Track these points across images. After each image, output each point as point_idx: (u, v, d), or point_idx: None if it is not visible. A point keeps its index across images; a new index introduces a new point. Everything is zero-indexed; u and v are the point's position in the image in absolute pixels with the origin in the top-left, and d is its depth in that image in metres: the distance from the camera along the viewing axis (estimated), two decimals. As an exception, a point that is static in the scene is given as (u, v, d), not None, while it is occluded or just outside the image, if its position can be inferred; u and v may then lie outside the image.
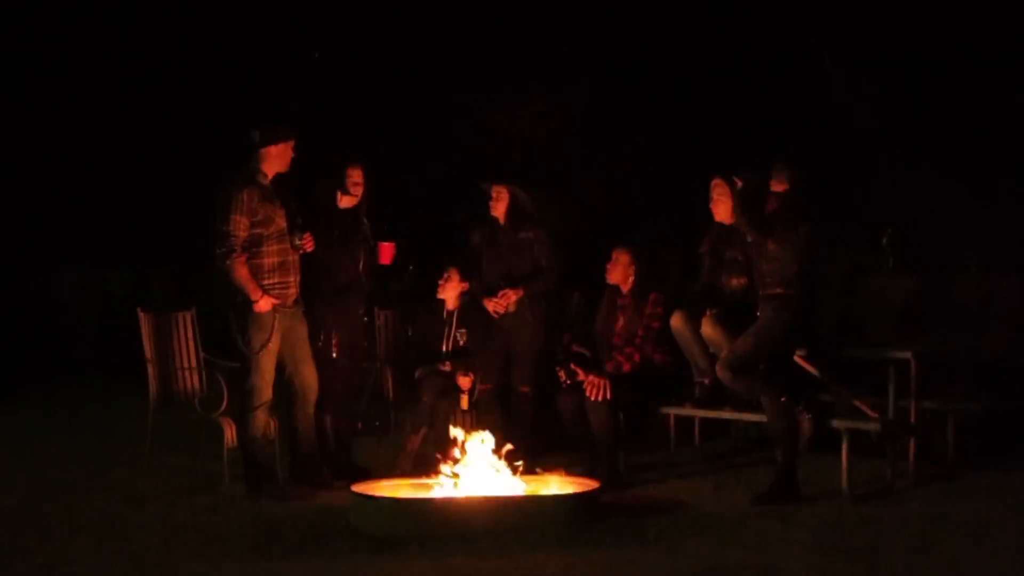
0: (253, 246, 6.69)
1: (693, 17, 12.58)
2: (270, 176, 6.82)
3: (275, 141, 6.78)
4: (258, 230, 6.69)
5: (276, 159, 6.79)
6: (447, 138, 13.26)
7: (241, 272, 6.64)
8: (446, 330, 7.83)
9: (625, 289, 7.52)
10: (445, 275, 7.82)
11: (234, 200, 6.64)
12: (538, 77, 12.73)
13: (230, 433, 7.03)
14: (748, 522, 6.12)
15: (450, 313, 7.84)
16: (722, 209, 7.26)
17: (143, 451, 7.52)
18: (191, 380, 7.50)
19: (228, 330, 6.77)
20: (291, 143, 6.83)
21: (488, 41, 13.30)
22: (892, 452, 6.94)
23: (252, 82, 14.27)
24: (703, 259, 7.44)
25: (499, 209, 7.84)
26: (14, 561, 5.51)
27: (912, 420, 7.08)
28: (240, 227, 6.63)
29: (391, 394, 7.97)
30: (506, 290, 7.72)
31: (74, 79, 14.88)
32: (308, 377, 6.93)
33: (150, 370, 7.43)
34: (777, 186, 6.80)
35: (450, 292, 7.82)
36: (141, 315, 7.46)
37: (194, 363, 7.54)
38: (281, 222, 6.80)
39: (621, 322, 7.47)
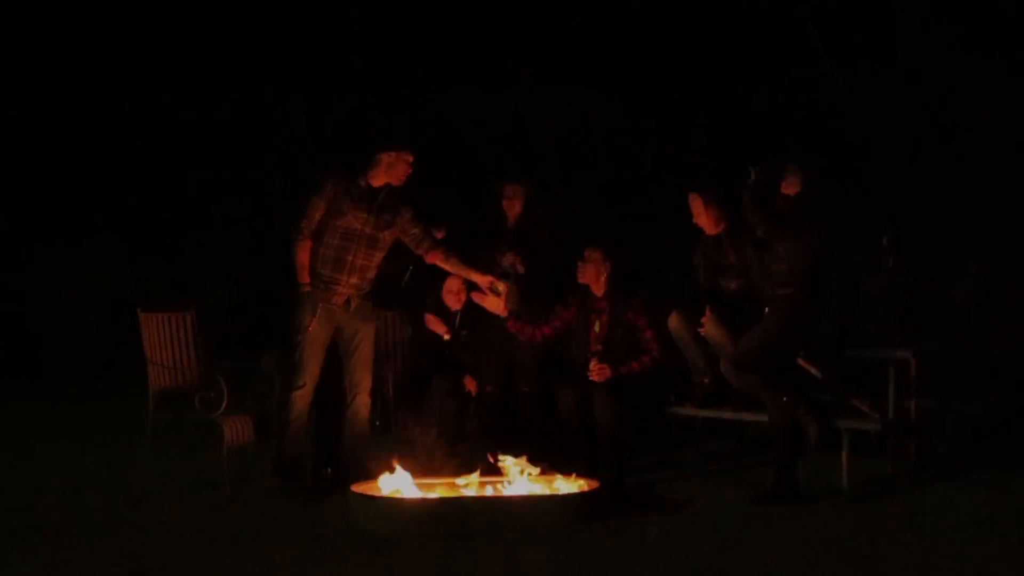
0: (320, 233, 6.86)
1: (693, 17, 12.58)
2: (375, 183, 6.89)
3: (388, 149, 6.87)
4: (328, 218, 6.83)
5: (385, 167, 6.88)
6: (448, 137, 13.26)
7: (301, 256, 6.85)
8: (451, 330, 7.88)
9: (598, 291, 7.44)
10: (447, 283, 7.86)
11: (321, 184, 6.84)
12: (540, 76, 12.74)
13: (230, 433, 7.02)
14: (748, 522, 6.12)
15: (453, 313, 7.88)
16: (705, 222, 7.35)
17: (143, 451, 7.52)
18: (191, 380, 7.50)
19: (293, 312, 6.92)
20: (406, 156, 6.88)
21: (490, 41, 13.31)
22: (892, 452, 6.93)
23: (255, 82, 14.28)
24: (697, 268, 7.47)
25: (514, 208, 7.89)
26: (14, 561, 5.52)
27: (912, 420, 7.09)
28: (317, 210, 6.82)
29: (391, 394, 7.97)
30: (495, 280, 7.72)
31: (74, 78, 14.87)
32: (360, 379, 7.01)
33: (150, 370, 7.43)
34: (788, 188, 6.81)
35: (451, 297, 7.86)
36: (141, 315, 7.46)
37: (194, 363, 7.54)
38: (358, 225, 6.85)
39: (597, 326, 7.38)
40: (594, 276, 7.39)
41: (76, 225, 15.02)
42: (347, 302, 6.94)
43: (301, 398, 6.86)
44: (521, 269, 7.77)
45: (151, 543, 5.81)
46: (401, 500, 6.13)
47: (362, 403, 7.03)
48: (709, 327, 7.05)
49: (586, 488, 6.31)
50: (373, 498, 6.14)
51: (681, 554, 5.53)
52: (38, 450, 8.63)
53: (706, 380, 7.31)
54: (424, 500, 6.13)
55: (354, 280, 6.94)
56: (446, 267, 7.19)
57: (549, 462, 6.65)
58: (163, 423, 7.44)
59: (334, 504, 6.43)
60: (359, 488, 6.24)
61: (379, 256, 7.02)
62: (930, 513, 6.25)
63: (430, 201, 7.13)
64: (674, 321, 7.35)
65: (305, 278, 6.84)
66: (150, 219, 14.82)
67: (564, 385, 7.30)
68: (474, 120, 12.97)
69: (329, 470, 7.12)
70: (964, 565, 5.30)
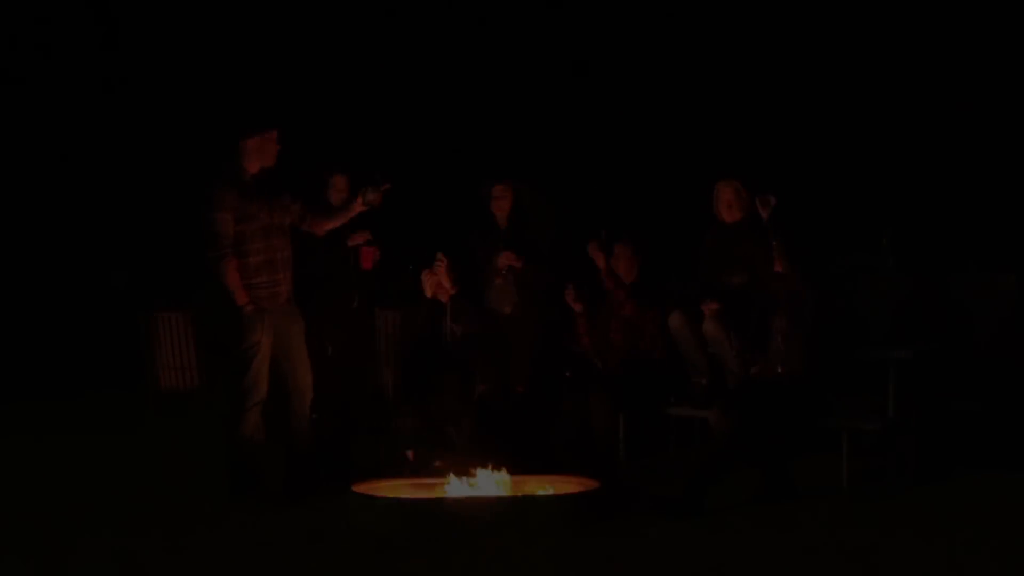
0: (238, 244, 6.56)
1: (691, 13, 12.57)
2: (252, 171, 6.66)
3: (251, 134, 6.63)
4: (240, 227, 6.56)
5: (255, 153, 6.63)
6: (447, 137, 13.26)
7: (232, 276, 6.52)
8: (443, 325, 7.83)
9: (627, 281, 7.57)
10: (435, 265, 7.70)
11: (215, 199, 6.52)
12: (538, 75, 12.74)
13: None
14: (748, 522, 6.12)
15: (442, 307, 7.78)
16: (724, 209, 7.32)
17: (143, 450, 7.51)
18: (191, 379, 7.50)
19: (220, 329, 6.71)
20: (271, 135, 6.66)
21: (487, 39, 13.31)
22: (892, 452, 6.93)
23: (253, 81, 14.26)
24: (705, 256, 7.45)
25: (502, 208, 7.86)
26: (14, 561, 5.51)
27: (912, 420, 7.08)
28: (226, 225, 6.51)
29: (391, 394, 7.97)
30: (508, 253, 7.69)
31: (73, 76, 14.86)
32: (302, 378, 6.83)
33: (150, 370, 7.43)
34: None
35: (436, 281, 7.66)
36: (140, 315, 7.46)
37: (194, 363, 7.54)
38: (265, 218, 6.64)
39: (622, 317, 7.50)
40: (626, 270, 7.51)
41: (78, 225, 15.02)
42: (288, 300, 6.78)
43: (256, 414, 6.70)
44: (518, 264, 7.75)
45: (151, 543, 5.81)
46: (401, 500, 6.13)
47: (308, 405, 6.87)
48: (708, 326, 7.04)
49: (586, 488, 6.31)
50: (373, 498, 6.14)
51: (680, 554, 5.53)
52: (37, 450, 8.63)
53: (704, 380, 7.31)
54: (424, 500, 6.13)
55: (288, 275, 6.76)
56: (331, 224, 6.94)
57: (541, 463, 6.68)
58: (163, 422, 7.44)
59: (334, 504, 6.42)
60: (359, 488, 6.24)
61: (289, 242, 6.83)
62: (930, 513, 6.25)
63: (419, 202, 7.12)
64: (674, 320, 7.35)
65: (244, 298, 6.54)
66: (151, 219, 14.80)
67: (568, 393, 7.36)
68: (461, 114, 12.97)
69: (327, 470, 7.11)
70: (964, 565, 5.30)
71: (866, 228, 9.81)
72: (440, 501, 6.11)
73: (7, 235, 14.70)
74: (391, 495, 6.21)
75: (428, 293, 7.61)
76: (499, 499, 6.16)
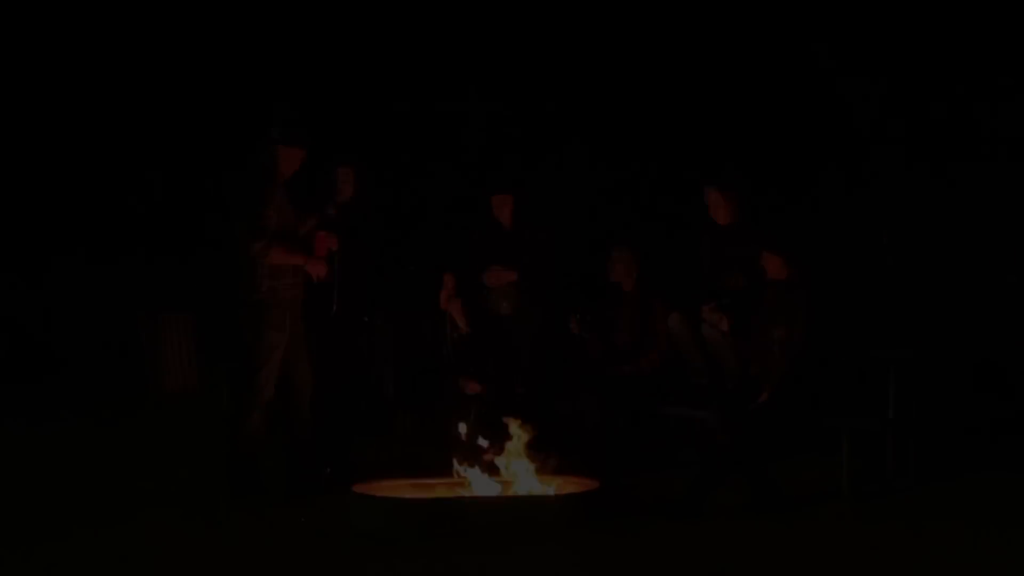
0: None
1: (686, 9, 12.56)
2: (285, 175, 6.75)
3: (292, 143, 6.70)
4: (276, 229, 6.64)
5: (286, 161, 6.71)
6: (449, 139, 13.27)
7: (282, 255, 6.59)
8: (445, 331, 7.86)
9: (627, 288, 7.55)
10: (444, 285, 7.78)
11: (265, 195, 6.61)
12: (538, 76, 12.74)
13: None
14: (748, 522, 6.12)
15: (442, 313, 7.81)
16: (720, 213, 7.34)
17: (143, 451, 7.51)
18: (190, 380, 7.50)
19: (238, 326, 6.72)
20: (303, 151, 6.74)
21: (487, 41, 13.31)
22: (892, 452, 6.94)
23: (252, 81, 14.26)
24: (702, 261, 7.47)
25: (504, 214, 7.91)
26: (14, 561, 5.51)
27: (912, 420, 7.09)
28: (272, 221, 6.60)
29: (391, 394, 7.97)
30: (498, 269, 7.71)
31: (72, 74, 14.85)
32: (304, 376, 6.86)
33: (150, 370, 7.43)
34: (774, 275, 6.82)
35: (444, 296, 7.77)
36: (141, 316, 7.46)
37: (194, 363, 7.54)
38: (295, 221, 6.75)
39: (621, 321, 7.51)
40: (624, 273, 7.47)
41: (74, 225, 15.01)
42: (301, 301, 6.81)
43: (261, 413, 6.72)
44: (493, 282, 7.79)
45: (151, 544, 5.81)
46: (401, 500, 6.13)
47: (308, 405, 6.89)
48: (707, 329, 7.05)
49: (586, 488, 6.31)
50: (373, 498, 6.14)
51: (680, 554, 5.53)
52: (37, 451, 8.63)
53: (704, 381, 7.31)
54: (424, 500, 6.13)
55: (302, 278, 6.81)
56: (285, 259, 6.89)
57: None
58: (162, 423, 7.44)
59: (334, 504, 6.42)
60: (359, 488, 6.25)
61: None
62: (930, 513, 6.26)
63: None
64: (674, 321, 7.35)
65: (304, 258, 6.64)
66: (151, 219, 14.79)
67: (564, 395, 7.37)
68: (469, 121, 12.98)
69: (329, 469, 7.11)
70: (964, 565, 5.30)
71: (866, 228, 9.82)
72: (440, 501, 6.11)
73: (9, 236, 14.71)
74: (391, 495, 6.21)
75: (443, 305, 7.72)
76: (499, 499, 6.16)
